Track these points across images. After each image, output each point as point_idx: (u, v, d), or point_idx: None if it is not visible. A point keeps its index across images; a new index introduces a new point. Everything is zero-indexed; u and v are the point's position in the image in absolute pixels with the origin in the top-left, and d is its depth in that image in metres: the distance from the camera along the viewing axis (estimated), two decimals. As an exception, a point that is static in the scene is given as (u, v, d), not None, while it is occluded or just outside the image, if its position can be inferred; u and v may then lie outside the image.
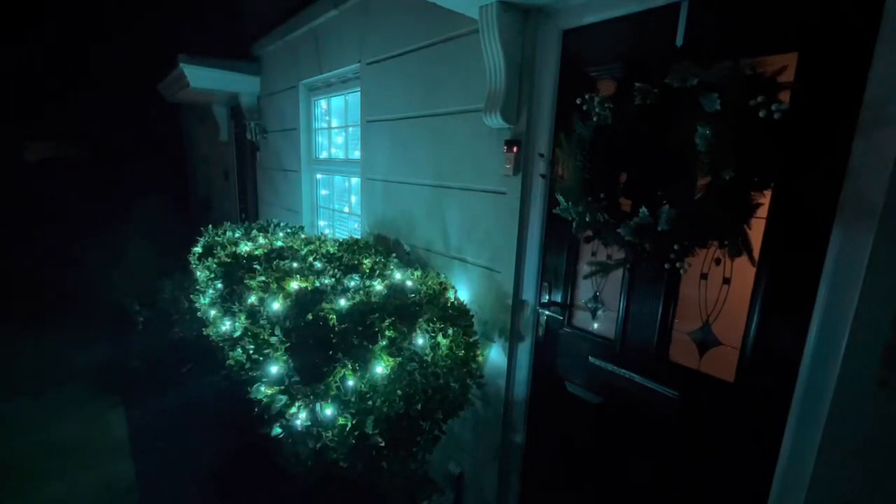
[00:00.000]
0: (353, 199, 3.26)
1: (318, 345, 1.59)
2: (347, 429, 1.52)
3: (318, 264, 2.07)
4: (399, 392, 1.56)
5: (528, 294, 1.89)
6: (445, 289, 1.98)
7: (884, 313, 1.01)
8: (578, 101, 1.39)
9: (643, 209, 1.23)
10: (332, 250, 2.32)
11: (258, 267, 2.06)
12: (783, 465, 1.22)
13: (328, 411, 1.53)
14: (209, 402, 3.05)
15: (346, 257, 2.18)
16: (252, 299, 1.89)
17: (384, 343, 1.61)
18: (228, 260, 2.27)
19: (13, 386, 3.42)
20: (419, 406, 1.59)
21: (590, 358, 1.72)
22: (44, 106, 7.04)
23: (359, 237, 2.82)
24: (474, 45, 1.81)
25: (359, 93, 2.81)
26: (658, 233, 1.21)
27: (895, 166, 0.98)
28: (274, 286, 1.85)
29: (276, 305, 1.75)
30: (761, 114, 1.05)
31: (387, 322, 1.64)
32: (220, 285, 2.24)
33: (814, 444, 1.13)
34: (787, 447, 1.20)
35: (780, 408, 1.22)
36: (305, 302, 1.71)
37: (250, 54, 4.33)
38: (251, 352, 1.74)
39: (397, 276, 2.01)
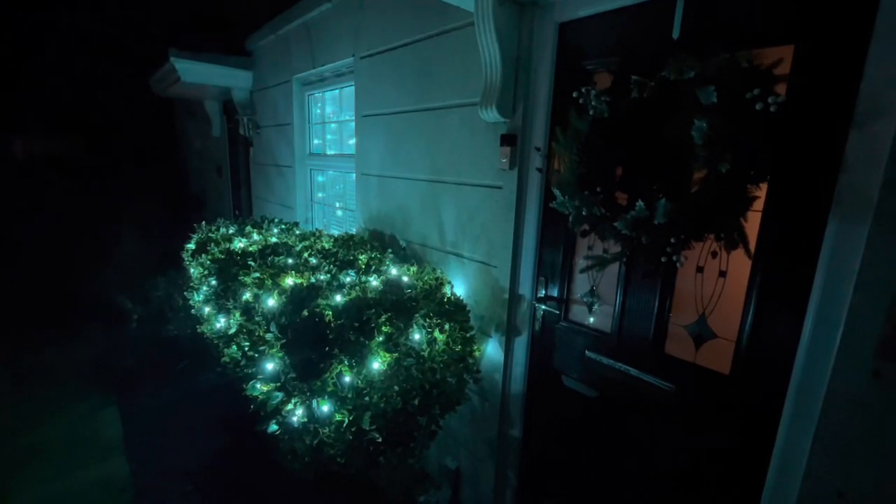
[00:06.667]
0: (348, 194, 3.24)
1: (314, 341, 1.58)
2: (344, 425, 1.51)
3: (313, 260, 2.06)
4: (396, 388, 1.56)
5: (525, 289, 1.89)
6: (442, 284, 1.98)
7: (878, 305, 1.02)
8: (575, 95, 1.39)
9: (639, 203, 1.23)
10: (327, 246, 2.31)
11: (252, 263, 2.05)
12: (778, 456, 1.23)
13: (325, 407, 1.52)
14: (204, 399, 3.04)
15: (342, 253, 2.16)
16: (247, 296, 1.88)
17: (381, 339, 1.61)
18: (222, 256, 2.25)
19: (6, 384, 3.38)
20: (416, 401, 1.59)
21: (586, 352, 1.72)
22: (31, 101, 6.93)
23: (354, 233, 2.81)
24: (470, 38, 1.80)
25: (353, 87, 2.79)
26: (654, 226, 1.21)
27: (890, 159, 0.98)
28: (269, 283, 1.84)
29: (272, 302, 1.74)
30: (758, 106, 1.06)
31: (383, 318, 1.63)
32: (214, 282, 2.22)
33: (808, 435, 1.14)
34: (782, 439, 1.21)
35: (774, 399, 1.23)
36: (301, 298, 1.70)
37: (243, 48, 4.28)
38: (246, 349, 1.73)
39: (393, 271, 2.00)
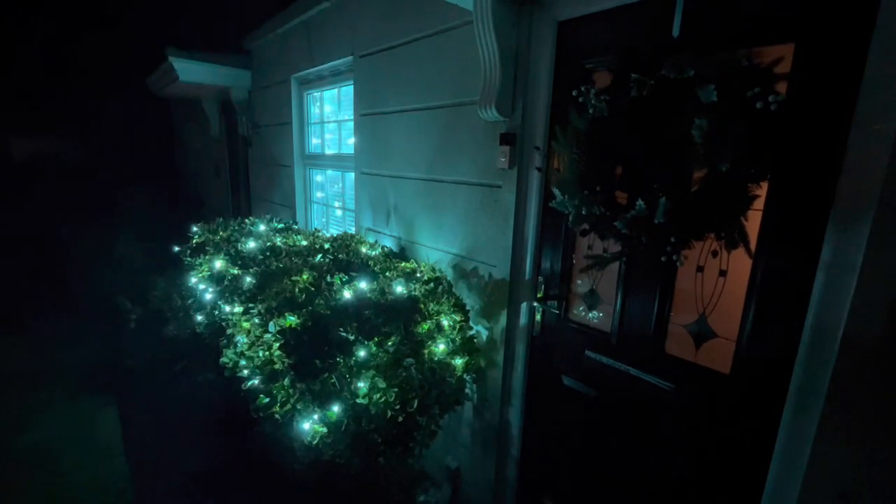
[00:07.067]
0: (347, 193, 3.23)
1: (312, 341, 1.58)
2: (343, 425, 1.51)
3: (312, 260, 2.05)
4: (395, 388, 1.55)
5: (524, 288, 1.88)
6: (441, 283, 1.97)
7: (880, 304, 1.01)
8: (574, 94, 1.38)
9: (639, 202, 1.22)
10: (325, 246, 2.30)
11: (252, 263, 2.04)
12: (779, 456, 1.22)
13: (324, 408, 1.51)
14: (203, 399, 3.03)
15: (341, 253, 2.16)
16: (246, 296, 1.87)
17: (380, 339, 1.60)
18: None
19: (4, 385, 3.37)
20: (416, 402, 1.58)
21: (586, 351, 1.72)
22: (30, 101, 6.91)
23: (353, 232, 2.80)
24: (469, 36, 1.79)
25: (352, 86, 2.78)
26: (654, 225, 1.21)
27: (892, 157, 0.98)
28: (269, 283, 1.83)
29: (270, 302, 1.73)
30: (758, 105, 1.05)
31: (382, 317, 1.63)
32: (215, 284, 2.21)
33: (809, 435, 1.14)
34: (783, 439, 1.21)
35: (775, 399, 1.23)
36: (300, 298, 1.70)
37: (241, 48, 4.27)
38: (245, 349, 1.73)
39: (393, 271, 1.99)
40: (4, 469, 2.55)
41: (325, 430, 1.52)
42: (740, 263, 1.29)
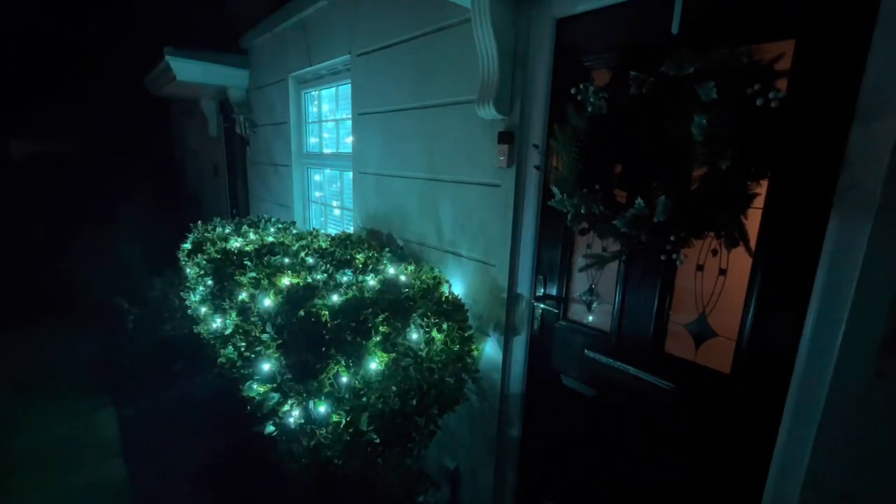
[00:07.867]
0: (346, 193, 3.22)
1: (310, 342, 1.57)
2: (342, 426, 1.50)
3: (309, 260, 2.04)
4: (393, 388, 1.55)
5: (523, 287, 1.87)
6: (439, 283, 1.96)
7: (881, 303, 1.00)
8: (573, 91, 1.37)
9: (639, 200, 1.21)
10: (324, 245, 2.29)
11: (248, 263, 2.03)
12: (779, 456, 1.22)
13: (322, 408, 1.50)
14: (201, 400, 3.02)
15: (339, 252, 2.15)
16: (243, 296, 1.86)
17: (378, 339, 1.59)
18: (218, 256, 2.23)
19: (2, 385, 3.36)
20: (414, 402, 1.58)
21: (585, 351, 1.71)
22: (28, 101, 6.89)
23: (351, 232, 2.79)
24: (466, 34, 1.78)
25: (349, 85, 2.77)
26: (654, 224, 1.20)
27: (893, 154, 0.97)
28: (265, 282, 1.82)
29: (268, 302, 1.72)
30: (758, 102, 1.04)
31: (380, 317, 1.62)
32: (210, 282, 2.20)
33: (810, 436, 1.13)
34: (784, 439, 1.20)
35: (776, 399, 1.22)
36: (297, 298, 1.69)
37: (238, 46, 4.25)
38: (243, 349, 1.72)
39: (391, 270, 1.98)
40: (2, 470, 2.54)
41: (322, 430, 1.51)
42: (740, 262, 1.29)
